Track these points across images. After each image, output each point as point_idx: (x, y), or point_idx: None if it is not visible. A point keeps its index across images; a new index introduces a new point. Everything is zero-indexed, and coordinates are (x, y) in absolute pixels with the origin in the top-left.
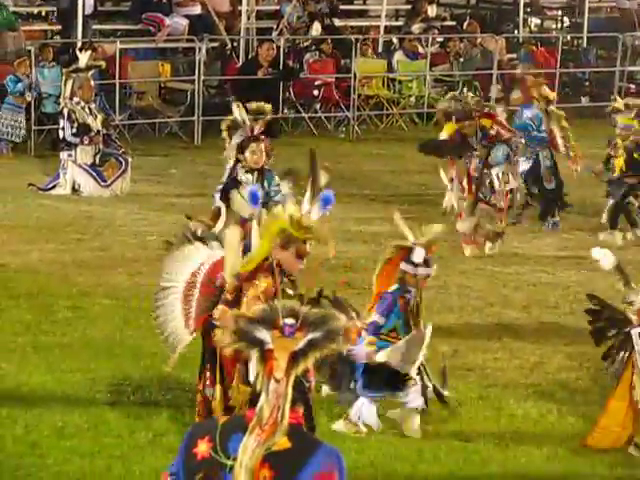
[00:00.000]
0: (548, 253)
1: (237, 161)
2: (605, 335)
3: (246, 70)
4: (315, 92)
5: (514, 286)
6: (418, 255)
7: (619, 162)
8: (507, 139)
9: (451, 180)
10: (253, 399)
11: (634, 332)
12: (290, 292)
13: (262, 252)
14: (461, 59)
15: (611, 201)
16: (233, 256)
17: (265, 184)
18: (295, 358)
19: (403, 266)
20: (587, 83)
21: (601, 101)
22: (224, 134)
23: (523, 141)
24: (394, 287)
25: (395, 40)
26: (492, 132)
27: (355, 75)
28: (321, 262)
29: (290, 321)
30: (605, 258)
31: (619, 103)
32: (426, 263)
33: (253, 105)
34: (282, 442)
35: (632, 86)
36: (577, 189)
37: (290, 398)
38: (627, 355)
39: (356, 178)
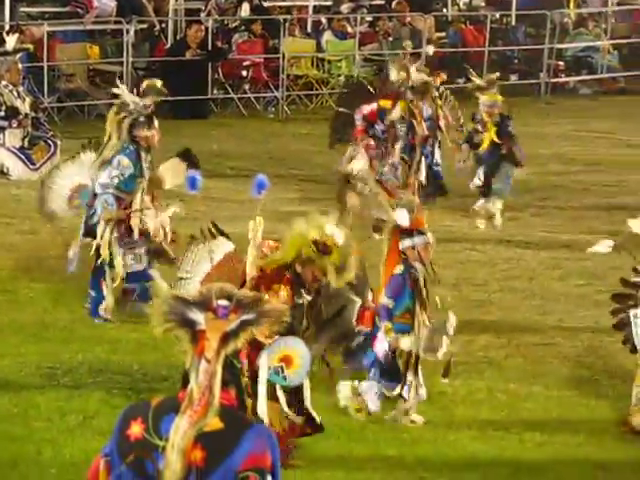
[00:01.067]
0: (477, 231)
1: (136, 142)
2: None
3: (175, 51)
4: (244, 72)
5: (443, 264)
6: (402, 216)
7: (489, 136)
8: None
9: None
10: (184, 379)
11: (632, 313)
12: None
13: (283, 259)
14: (390, 38)
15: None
16: (255, 250)
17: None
18: (226, 338)
19: (401, 245)
20: (516, 61)
21: (530, 79)
22: (113, 120)
23: None
24: (399, 268)
25: (324, 20)
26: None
27: (284, 55)
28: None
29: (224, 303)
30: (601, 247)
31: (480, 81)
32: (420, 233)
33: (146, 83)
34: (214, 423)
35: (561, 63)
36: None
37: (220, 378)
38: None
39: (285, 158)
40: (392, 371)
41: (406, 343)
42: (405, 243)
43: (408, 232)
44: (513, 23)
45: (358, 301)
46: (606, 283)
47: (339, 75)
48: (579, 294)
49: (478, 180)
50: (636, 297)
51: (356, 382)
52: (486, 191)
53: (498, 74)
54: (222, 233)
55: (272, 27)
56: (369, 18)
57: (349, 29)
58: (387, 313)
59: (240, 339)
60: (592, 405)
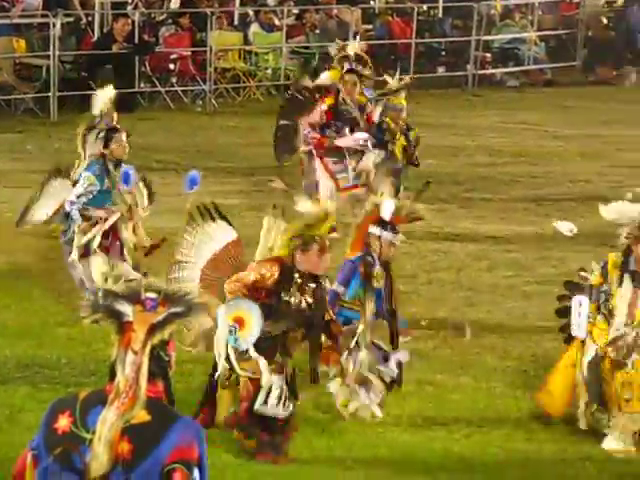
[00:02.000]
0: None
1: (103, 156)
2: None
3: (101, 45)
4: (171, 66)
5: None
6: (387, 209)
7: (399, 145)
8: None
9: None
10: (112, 372)
11: (576, 299)
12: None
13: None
14: (317, 31)
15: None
16: (265, 243)
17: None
18: (152, 330)
19: (371, 229)
20: (443, 53)
21: (457, 71)
22: (80, 135)
23: None
24: (357, 255)
25: (251, 12)
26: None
27: (211, 48)
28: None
29: (152, 295)
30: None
31: (393, 83)
32: (393, 230)
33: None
34: (141, 415)
35: (488, 55)
36: (441, 159)
37: (147, 371)
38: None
39: (213, 151)
40: None
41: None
42: (373, 230)
43: (382, 223)
44: (440, 15)
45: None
46: (534, 274)
47: (266, 68)
48: (507, 285)
49: None
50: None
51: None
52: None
53: (408, 79)
54: (223, 217)
55: (199, 20)
56: (296, 10)
57: (276, 22)
58: (332, 298)
59: (166, 331)
60: (519, 396)
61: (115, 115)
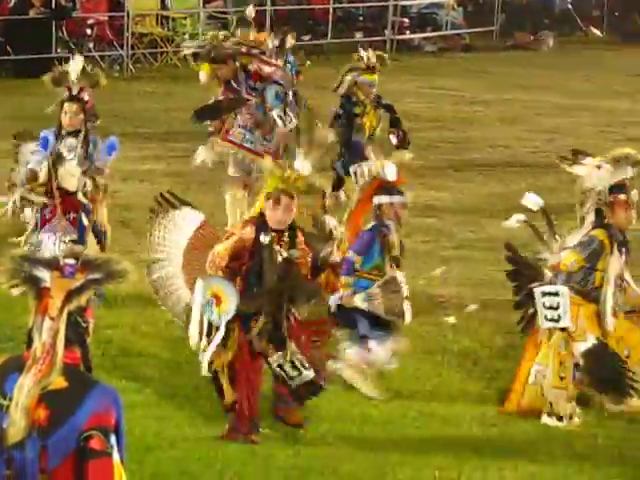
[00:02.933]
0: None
1: (59, 125)
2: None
3: (18, 10)
4: (88, 31)
5: None
6: (391, 172)
7: (370, 121)
8: (271, 74)
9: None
10: (29, 339)
11: (537, 291)
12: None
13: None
14: None
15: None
16: (233, 216)
17: (90, 148)
18: (70, 296)
19: (377, 199)
20: (361, 18)
21: (375, 36)
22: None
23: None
24: (371, 224)
25: None
26: (252, 67)
27: (128, 13)
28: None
29: (70, 261)
30: (532, 200)
31: (365, 59)
32: (399, 192)
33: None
34: (58, 382)
35: (405, 20)
36: None
37: (65, 337)
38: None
39: (130, 117)
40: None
41: (359, 301)
42: (383, 199)
43: (388, 188)
44: None
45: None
46: (452, 240)
47: (184, 33)
48: (425, 251)
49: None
50: (540, 274)
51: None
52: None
53: (386, 55)
54: (185, 203)
55: None
56: None
57: None
58: (349, 268)
59: (84, 297)
60: (439, 360)
61: (75, 86)
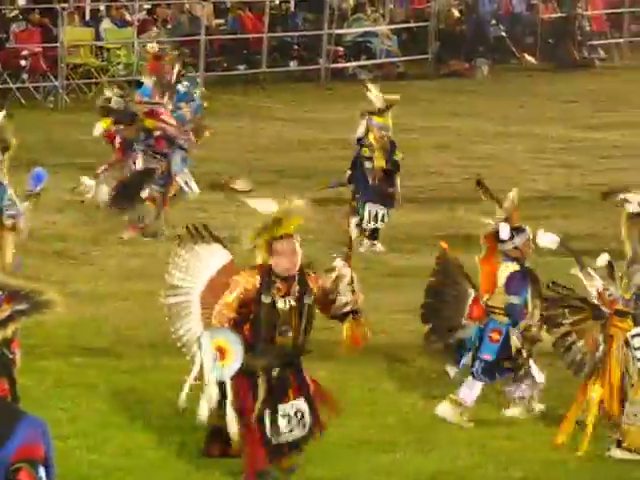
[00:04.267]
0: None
1: None
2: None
3: None
4: (22, 62)
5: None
6: (504, 231)
7: (378, 165)
8: (174, 137)
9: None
10: None
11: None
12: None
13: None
14: (169, 26)
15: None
16: None
17: None
18: None
19: (501, 247)
20: (296, 47)
21: (310, 65)
22: None
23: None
24: (513, 266)
25: (102, 8)
26: (157, 133)
27: (62, 44)
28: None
29: None
30: (548, 239)
31: (378, 101)
32: (517, 230)
33: None
34: None
35: (340, 49)
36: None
37: None
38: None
39: (65, 147)
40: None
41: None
42: (506, 246)
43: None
44: (292, 9)
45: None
46: (387, 267)
47: (118, 63)
48: (359, 278)
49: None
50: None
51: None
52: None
53: (397, 97)
54: (217, 239)
55: (50, 16)
56: (147, 5)
57: (128, 17)
58: (520, 312)
59: (9, 329)
60: (374, 387)
61: None
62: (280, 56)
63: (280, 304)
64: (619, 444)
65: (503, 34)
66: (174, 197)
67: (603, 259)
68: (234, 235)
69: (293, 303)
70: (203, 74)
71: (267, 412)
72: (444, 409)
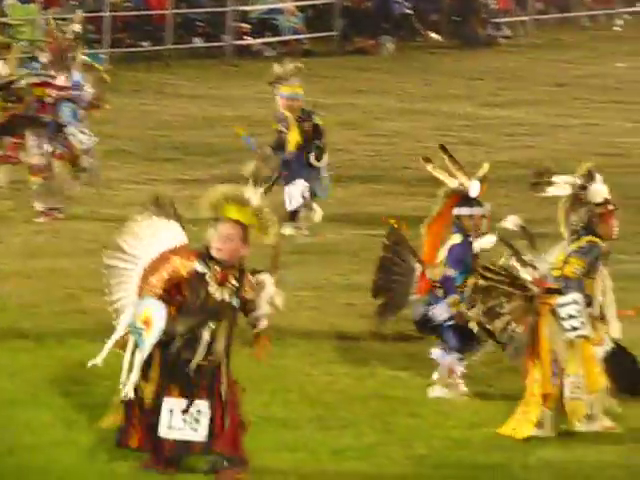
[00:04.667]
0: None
1: None
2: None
3: None
4: None
5: None
6: (474, 188)
7: (294, 137)
8: (65, 97)
9: None
10: None
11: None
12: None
13: None
14: (73, 2)
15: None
16: None
17: None
18: None
19: (457, 211)
20: (200, 24)
21: (215, 42)
22: None
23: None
24: (457, 237)
25: None
26: (49, 100)
27: None
28: None
29: None
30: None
31: (281, 70)
32: (478, 204)
33: None
34: None
35: (245, 25)
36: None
37: None
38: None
39: None
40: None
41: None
42: (463, 211)
43: (468, 201)
44: None
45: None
46: (291, 244)
47: (22, 39)
48: (264, 255)
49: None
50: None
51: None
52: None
53: (300, 65)
54: (177, 217)
55: None
56: None
57: None
58: (452, 285)
59: None
60: (276, 364)
61: None
62: (185, 33)
63: (214, 291)
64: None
65: (408, 11)
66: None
67: (512, 221)
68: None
69: (226, 296)
70: (107, 51)
71: (164, 399)
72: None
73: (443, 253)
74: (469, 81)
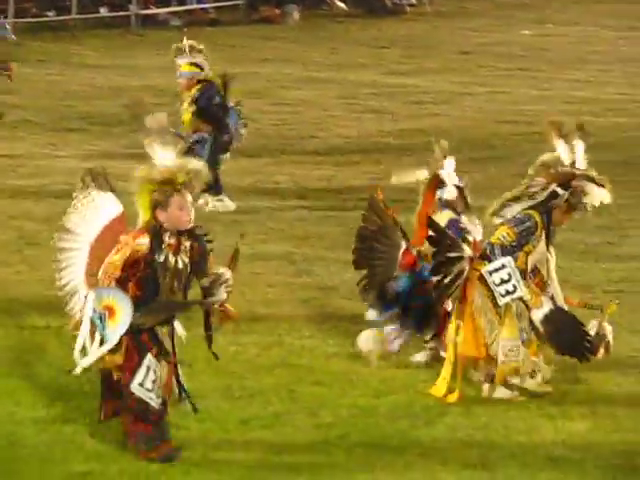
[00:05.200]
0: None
1: None
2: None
3: None
4: None
5: (36, 199)
6: (450, 164)
7: (187, 116)
8: None
9: None
10: None
11: (483, 272)
12: None
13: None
14: None
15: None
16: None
17: None
18: None
19: (440, 193)
20: None
21: (120, 11)
22: None
23: None
24: (447, 214)
25: None
26: None
27: None
28: None
29: None
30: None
31: (184, 45)
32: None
33: None
34: None
35: None
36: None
37: None
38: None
39: None
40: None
41: None
42: (445, 192)
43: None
44: None
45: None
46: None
47: None
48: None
49: None
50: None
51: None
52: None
53: (201, 46)
54: (112, 188)
55: None
56: None
57: None
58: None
59: None
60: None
61: None
62: (90, 2)
63: (172, 261)
64: (492, 381)
65: None
66: None
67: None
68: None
69: (185, 260)
70: (12, 20)
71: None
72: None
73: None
74: (375, 49)
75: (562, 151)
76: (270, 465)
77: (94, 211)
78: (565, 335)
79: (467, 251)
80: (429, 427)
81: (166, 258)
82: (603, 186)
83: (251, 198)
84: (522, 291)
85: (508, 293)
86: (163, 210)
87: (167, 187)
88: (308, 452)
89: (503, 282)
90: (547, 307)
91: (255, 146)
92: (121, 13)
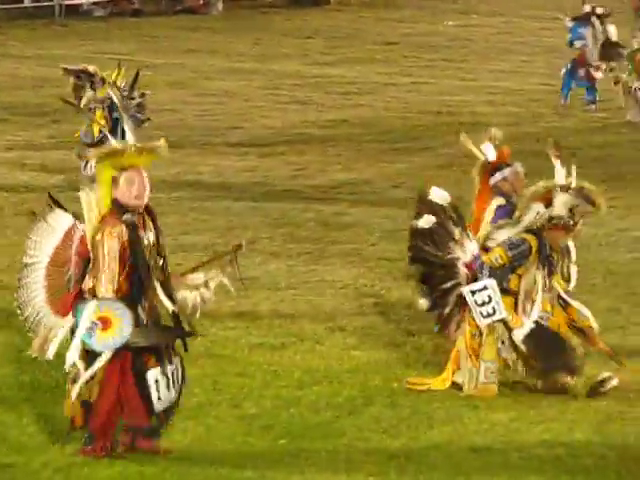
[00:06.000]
0: None
1: None
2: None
3: None
4: None
5: None
6: (489, 150)
7: (96, 121)
8: None
9: None
10: None
11: (465, 290)
12: None
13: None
14: None
15: None
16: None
17: None
18: None
19: (492, 180)
20: None
21: (44, 1)
22: None
23: None
24: (499, 200)
25: None
26: None
27: None
28: None
29: None
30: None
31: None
32: (507, 164)
33: None
34: None
35: None
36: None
37: None
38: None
39: None
40: None
41: None
42: (496, 177)
43: (497, 166)
44: None
45: None
46: None
47: None
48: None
49: None
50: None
51: None
52: None
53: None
54: (59, 205)
55: None
56: None
57: None
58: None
59: None
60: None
61: None
62: None
63: (144, 239)
64: None
65: None
66: None
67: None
68: None
69: (152, 238)
70: None
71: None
72: None
73: (488, 215)
74: (299, 40)
75: (559, 170)
76: (193, 456)
77: (46, 234)
78: (549, 352)
79: (461, 274)
80: (353, 417)
81: (143, 237)
82: (589, 197)
83: (174, 189)
84: (502, 314)
85: (489, 315)
86: (115, 186)
87: (116, 163)
88: (231, 443)
89: (484, 303)
90: (528, 326)
91: (179, 137)
92: (45, 3)
